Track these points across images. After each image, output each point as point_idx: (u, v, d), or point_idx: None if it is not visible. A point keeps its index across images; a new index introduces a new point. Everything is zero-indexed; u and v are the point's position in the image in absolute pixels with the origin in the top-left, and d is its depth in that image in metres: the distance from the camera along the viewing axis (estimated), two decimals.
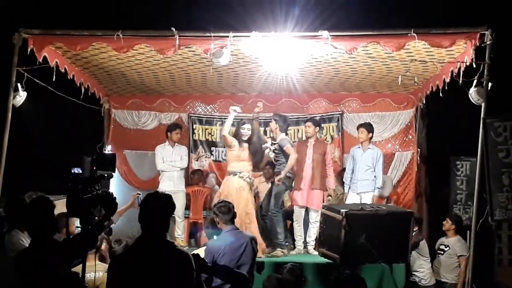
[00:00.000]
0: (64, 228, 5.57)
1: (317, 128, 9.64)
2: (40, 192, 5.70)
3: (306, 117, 11.45)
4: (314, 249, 8.91)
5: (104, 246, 6.48)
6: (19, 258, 4.55)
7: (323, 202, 9.09)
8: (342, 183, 9.94)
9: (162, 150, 10.14)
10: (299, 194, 9.27)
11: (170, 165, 9.97)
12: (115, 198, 4.63)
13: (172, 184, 9.87)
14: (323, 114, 11.54)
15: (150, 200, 4.31)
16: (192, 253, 4.48)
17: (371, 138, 9.52)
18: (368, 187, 9.26)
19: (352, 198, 9.30)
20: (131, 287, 4.10)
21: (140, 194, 7.61)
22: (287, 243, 9.15)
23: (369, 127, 9.57)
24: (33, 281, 4.41)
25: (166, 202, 4.35)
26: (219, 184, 11.06)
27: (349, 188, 9.50)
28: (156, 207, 4.26)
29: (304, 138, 11.33)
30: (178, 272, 4.13)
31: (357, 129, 9.79)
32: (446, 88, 8.85)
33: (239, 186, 8.65)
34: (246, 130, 8.91)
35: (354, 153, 9.60)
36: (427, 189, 11.19)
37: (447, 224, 9.18)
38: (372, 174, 9.25)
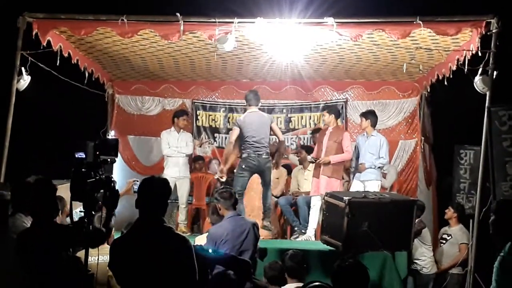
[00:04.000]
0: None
1: (333, 116, 9.45)
2: (42, 176, 5.71)
3: (310, 104, 11.53)
4: None
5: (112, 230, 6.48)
6: (21, 237, 4.59)
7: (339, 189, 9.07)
8: (347, 171, 9.94)
9: (167, 135, 10.13)
10: (317, 182, 9.25)
11: (176, 151, 9.97)
12: (117, 191, 4.66)
13: (177, 170, 9.88)
14: (327, 102, 11.51)
15: (147, 185, 4.32)
16: (194, 244, 4.48)
17: (374, 125, 9.46)
18: (372, 175, 9.23)
19: (356, 186, 9.28)
20: (131, 271, 4.12)
21: (137, 181, 7.62)
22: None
23: (366, 115, 9.52)
24: (33, 260, 4.43)
25: (163, 186, 4.36)
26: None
27: (354, 175, 9.49)
28: (153, 192, 4.28)
29: (308, 125, 11.45)
30: (177, 256, 4.15)
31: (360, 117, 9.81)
32: (451, 76, 8.83)
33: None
34: None
35: (358, 140, 9.59)
36: (435, 178, 11.23)
37: (449, 212, 9.19)
38: (377, 161, 9.21)
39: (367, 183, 9.11)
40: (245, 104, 11.07)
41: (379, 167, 9.25)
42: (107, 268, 5.72)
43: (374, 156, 9.20)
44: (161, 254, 4.09)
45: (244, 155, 8.78)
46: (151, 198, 4.23)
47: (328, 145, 9.21)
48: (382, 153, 9.22)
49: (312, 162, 9.39)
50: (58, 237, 4.49)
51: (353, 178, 9.51)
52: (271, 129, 8.96)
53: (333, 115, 9.46)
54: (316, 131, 10.61)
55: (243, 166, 8.77)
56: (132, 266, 4.10)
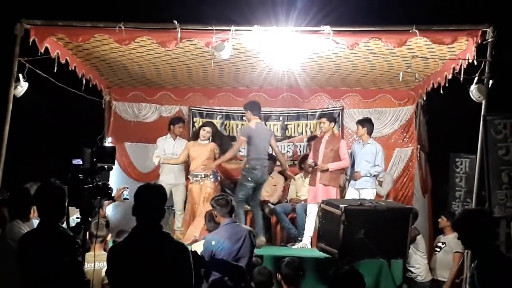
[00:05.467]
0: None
1: (332, 124, 9.51)
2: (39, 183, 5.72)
3: (306, 112, 11.56)
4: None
5: (109, 236, 6.50)
6: (23, 240, 4.60)
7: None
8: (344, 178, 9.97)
9: (163, 142, 10.22)
10: (314, 190, 9.26)
11: (171, 158, 10.03)
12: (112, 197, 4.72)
13: (173, 176, 9.94)
14: (324, 109, 11.52)
15: (143, 192, 4.33)
16: (190, 250, 4.49)
17: (370, 133, 9.49)
18: (367, 183, 9.24)
19: (351, 194, 9.30)
20: (129, 278, 4.12)
21: (127, 188, 7.63)
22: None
23: (363, 122, 9.56)
24: (33, 262, 4.43)
25: (159, 192, 4.39)
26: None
27: (349, 183, 9.50)
28: (149, 199, 4.30)
29: (305, 133, 11.48)
30: (175, 262, 4.17)
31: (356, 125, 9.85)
32: (447, 85, 8.86)
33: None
34: (205, 133, 9.66)
35: (354, 148, 9.62)
36: (430, 186, 11.25)
37: (442, 221, 9.20)
38: (372, 169, 9.23)
39: (362, 191, 9.14)
40: (241, 111, 11.16)
41: (374, 175, 9.27)
42: (102, 275, 5.77)
43: (370, 164, 9.23)
44: (159, 260, 4.10)
45: (250, 166, 8.91)
46: (148, 205, 4.25)
47: (324, 154, 9.21)
48: (377, 161, 9.25)
49: (311, 167, 9.37)
50: (63, 241, 4.49)
51: (348, 186, 9.52)
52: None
53: (332, 122, 9.52)
54: (312, 138, 10.64)
55: (249, 178, 8.90)
56: (130, 272, 4.11)
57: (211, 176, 9.50)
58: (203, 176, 9.46)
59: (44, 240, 4.48)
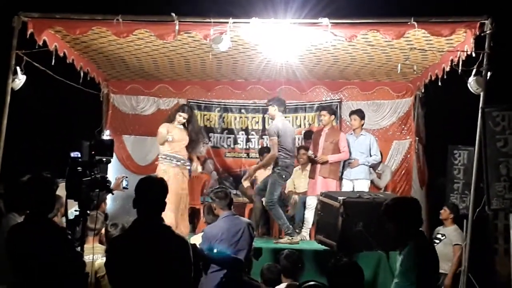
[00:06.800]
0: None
1: (332, 116, 9.57)
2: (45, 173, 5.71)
3: (305, 105, 11.56)
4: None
5: (103, 229, 6.49)
6: (12, 231, 4.59)
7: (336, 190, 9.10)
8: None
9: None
10: (313, 183, 9.28)
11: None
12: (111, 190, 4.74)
13: None
14: (322, 102, 11.52)
15: (144, 185, 4.33)
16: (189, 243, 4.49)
17: (363, 124, 9.59)
18: (361, 174, 9.29)
19: (345, 185, 9.33)
20: (129, 270, 4.13)
21: (126, 177, 7.56)
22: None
23: (361, 114, 9.61)
24: (23, 253, 4.42)
25: (160, 185, 4.39)
26: (217, 170, 11.13)
27: (343, 174, 9.51)
28: (151, 191, 4.30)
29: (303, 125, 11.47)
30: (176, 255, 4.18)
31: (349, 116, 9.86)
32: (445, 77, 8.86)
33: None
34: (181, 118, 9.00)
35: (347, 140, 9.63)
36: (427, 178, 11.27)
37: (445, 213, 9.20)
38: (369, 159, 9.29)
39: (356, 182, 9.18)
40: (239, 104, 11.08)
41: (371, 165, 9.34)
42: (95, 267, 5.77)
43: (364, 154, 9.33)
44: (159, 253, 4.11)
45: (283, 164, 8.73)
46: (149, 198, 4.25)
47: (324, 146, 9.24)
48: (374, 151, 9.36)
49: (312, 160, 9.37)
50: (50, 233, 4.49)
51: (342, 177, 9.53)
52: None
53: (333, 115, 9.56)
54: (308, 134, 10.68)
55: (284, 176, 8.77)
56: (130, 264, 4.11)
57: (188, 166, 9.07)
58: (186, 163, 8.95)
59: (31, 232, 4.46)
